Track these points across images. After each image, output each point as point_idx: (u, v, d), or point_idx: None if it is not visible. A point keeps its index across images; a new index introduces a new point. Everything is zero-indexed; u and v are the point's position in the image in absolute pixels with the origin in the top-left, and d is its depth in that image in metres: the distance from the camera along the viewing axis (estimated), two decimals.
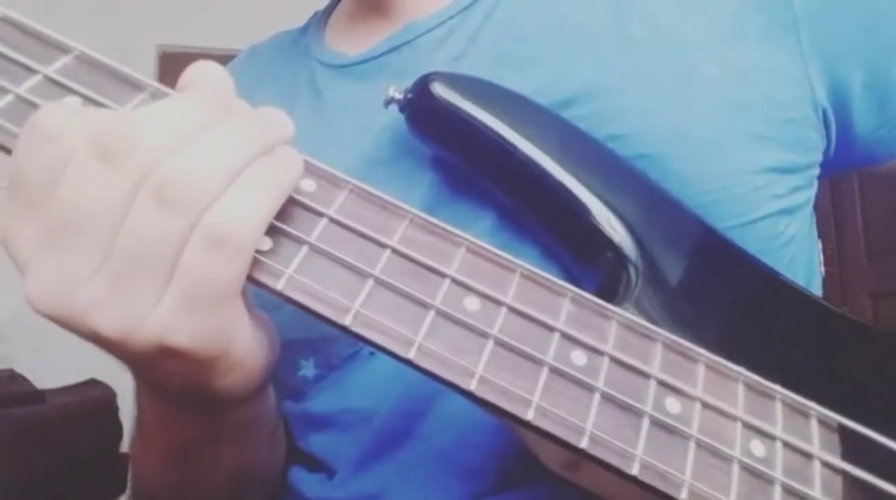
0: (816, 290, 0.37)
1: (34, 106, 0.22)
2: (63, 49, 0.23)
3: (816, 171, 0.35)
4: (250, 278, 0.20)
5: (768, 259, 0.30)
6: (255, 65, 0.43)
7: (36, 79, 0.22)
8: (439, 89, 0.31)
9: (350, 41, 0.39)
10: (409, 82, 0.31)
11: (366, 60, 0.37)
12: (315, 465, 0.36)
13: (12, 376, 1.45)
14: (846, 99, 0.34)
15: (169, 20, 2.28)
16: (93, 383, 1.71)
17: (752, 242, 0.30)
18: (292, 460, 0.38)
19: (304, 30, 0.43)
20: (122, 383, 2.27)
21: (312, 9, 0.46)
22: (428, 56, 0.35)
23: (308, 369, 0.34)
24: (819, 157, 0.34)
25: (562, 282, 0.22)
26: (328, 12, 0.43)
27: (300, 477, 0.37)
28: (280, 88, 0.40)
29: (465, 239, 0.22)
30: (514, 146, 0.30)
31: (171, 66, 2.29)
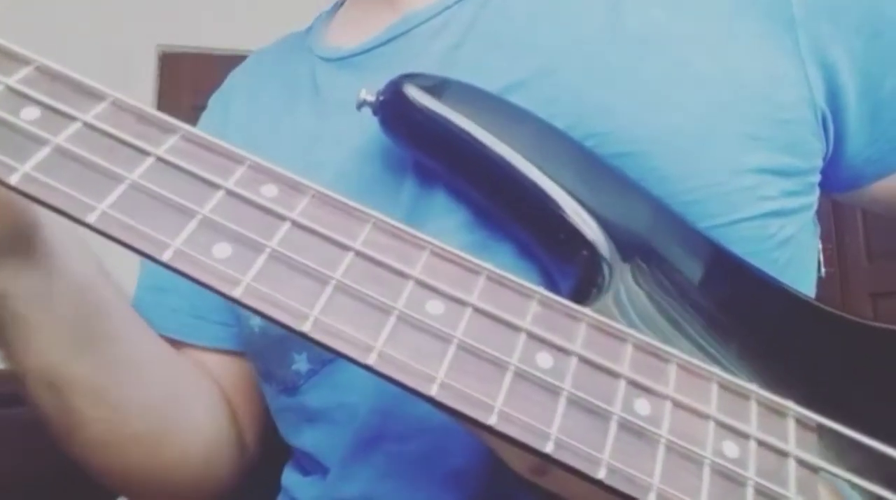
0: (811, 294, 0.36)
1: None
2: (23, 61, 0.23)
3: (816, 177, 0.34)
4: (208, 287, 0.20)
5: (759, 260, 0.30)
6: (260, 68, 0.44)
7: None
8: (411, 91, 0.31)
9: (351, 35, 0.39)
10: (404, 72, 0.31)
11: (362, 52, 0.37)
12: (309, 464, 0.36)
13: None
14: (842, 107, 0.33)
15: (169, 20, 2.27)
16: None
17: (738, 241, 0.30)
18: (286, 460, 0.38)
19: (309, 30, 0.43)
20: None
21: (313, 8, 0.46)
22: (424, 46, 0.35)
23: (301, 364, 0.34)
24: (819, 163, 0.34)
25: (529, 284, 0.22)
26: (332, 13, 0.43)
27: (295, 480, 0.37)
28: (282, 88, 0.40)
29: (429, 242, 0.22)
30: (486, 147, 0.30)
31: (171, 66, 2.28)
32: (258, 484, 0.41)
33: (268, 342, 0.35)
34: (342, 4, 0.43)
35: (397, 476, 0.31)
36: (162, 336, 0.39)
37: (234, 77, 0.45)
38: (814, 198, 0.35)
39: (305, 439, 0.35)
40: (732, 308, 0.29)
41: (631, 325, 0.27)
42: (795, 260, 0.34)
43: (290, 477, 0.37)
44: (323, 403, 0.34)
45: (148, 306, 0.40)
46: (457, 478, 0.30)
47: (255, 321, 0.35)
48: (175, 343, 0.39)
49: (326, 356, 0.33)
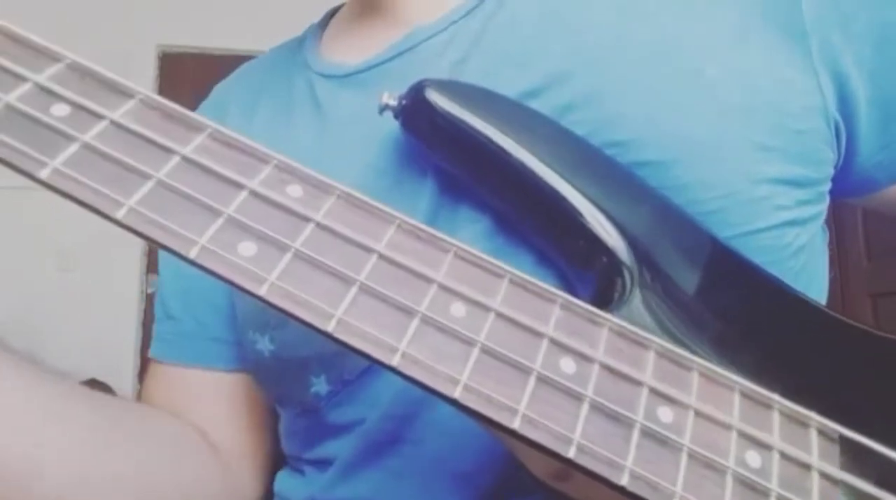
0: (823, 302, 0.36)
1: (22, 114, 0.21)
2: (54, 58, 0.23)
3: (827, 186, 0.34)
4: (233, 284, 0.20)
5: (775, 269, 0.29)
6: (252, 80, 0.43)
7: (26, 87, 0.22)
8: (433, 96, 0.31)
9: (350, 51, 0.38)
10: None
11: (367, 69, 0.36)
12: (320, 466, 0.36)
13: None
14: (853, 115, 0.33)
15: (169, 20, 2.29)
16: (93, 384, 1.70)
17: (756, 251, 0.30)
18: (281, 467, 0.38)
19: (300, 43, 0.42)
20: (122, 383, 2.28)
21: (311, 9, 0.46)
22: (431, 61, 0.35)
23: (320, 386, 0.33)
24: (830, 171, 0.33)
25: (552, 288, 0.22)
26: (323, 25, 0.42)
27: (289, 484, 0.37)
28: (277, 102, 0.39)
29: (453, 245, 0.22)
30: (507, 152, 0.30)
31: (171, 66, 2.30)
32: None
33: (281, 367, 0.34)
34: (332, 17, 0.42)
35: (409, 478, 0.31)
36: (178, 366, 0.39)
37: (224, 90, 0.44)
38: (824, 206, 0.35)
39: (325, 450, 0.35)
40: (748, 317, 0.29)
41: (649, 332, 0.27)
42: (808, 267, 0.34)
43: (282, 481, 0.37)
44: (348, 419, 0.33)
45: (163, 338, 0.40)
46: (467, 481, 0.30)
47: (265, 346, 0.34)
48: (190, 370, 0.39)
49: (347, 376, 0.33)
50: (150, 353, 0.42)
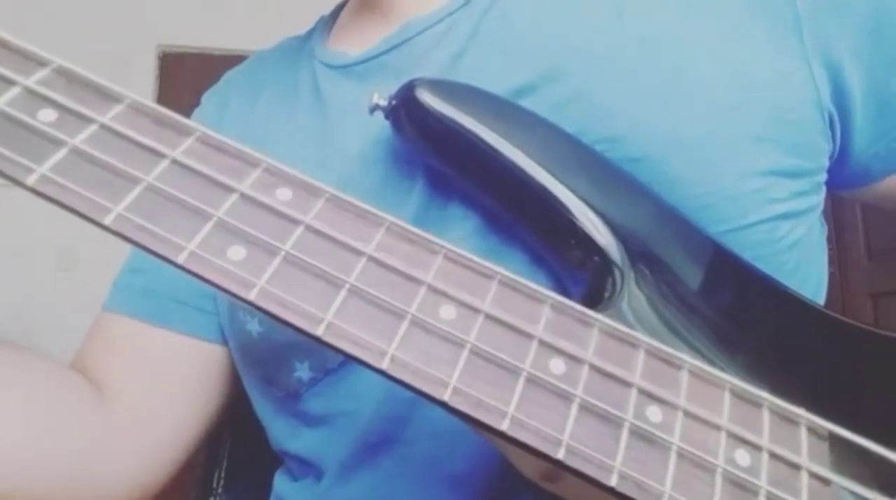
0: (822, 297, 0.36)
1: (10, 119, 0.21)
2: (41, 62, 0.23)
3: (823, 177, 0.34)
4: (222, 289, 0.20)
5: (769, 264, 0.29)
6: (260, 69, 0.43)
7: (14, 91, 0.22)
8: (424, 96, 0.31)
9: (352, 41, 0.39)
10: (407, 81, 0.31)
11: (365, 60, 0.37)
12: (300, 469, 0.36)
13: None
14: (848, 106, 0.33)
15: (169, 20, 2.29)
16: None
17: (748, 246, 0.30)
18: (278, 467, 0.38)
19: (310, 33, 0.43)
20: None
21: (312, 9, 0.46)
22: (427, 54, 0.35)
23: (303, 372, 0.34)
24: (826, 162, 0.33)
25: (542, 289, 0.22)
26: (334, 16, 0.43)
27: (285, 487, 0.37)
28: (282, 89, 0.40)
29: (443, 247, 0.22)
30: (498, 151, 0.30)
31: (171, 66, 2.30)
32: (250, 489, 0.41)
33: (268, 349, 0.35)
34: (343, 7, 0.43)
35: (402, 480, 0.31)
36: (132, 320, 0.39)
37: (232, 76, 0.45)
38: (821, 197, 0.34)
39: (302, 443, 0.35)
40: (740, 316, 0.29)
41: (640, 332, 0.27)
42: (804, 262, 0.33)
43: (281, 484, 0.37)
44: (325, 410, 0.33)
45: (120, 288, 0.40)
46: (460, 483, 0.30)
47: (254, 327, 0.35)
48: (144, 327, 0.39)
49: (329, 365, 0.33)
50: (104, 305, 0.40)
